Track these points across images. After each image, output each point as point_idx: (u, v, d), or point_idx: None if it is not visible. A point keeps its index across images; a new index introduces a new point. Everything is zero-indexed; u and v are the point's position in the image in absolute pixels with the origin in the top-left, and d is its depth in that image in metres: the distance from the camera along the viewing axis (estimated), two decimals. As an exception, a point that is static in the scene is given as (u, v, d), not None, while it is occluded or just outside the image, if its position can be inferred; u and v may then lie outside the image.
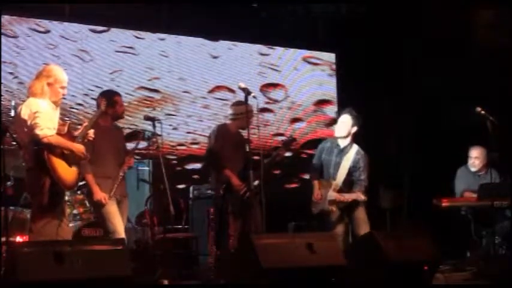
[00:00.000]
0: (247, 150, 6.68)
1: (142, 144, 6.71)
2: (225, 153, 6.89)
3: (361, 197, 6.69)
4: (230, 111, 7.10)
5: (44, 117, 5.29)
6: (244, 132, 6.82)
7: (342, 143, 6.87)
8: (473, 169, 8.01)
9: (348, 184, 6.83)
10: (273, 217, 6.36)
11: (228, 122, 7.11)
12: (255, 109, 6.69)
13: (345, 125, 6.84)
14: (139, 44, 9.19)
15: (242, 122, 6.80)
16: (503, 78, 8.90)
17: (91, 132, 5.67)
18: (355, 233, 6.77)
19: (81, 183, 6.37)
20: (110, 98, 6.28)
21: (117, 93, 6.51)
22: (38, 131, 5.24)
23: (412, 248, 5.70)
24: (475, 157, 7.99)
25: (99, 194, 6.06)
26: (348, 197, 6.74)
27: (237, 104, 7.05)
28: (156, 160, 6.70)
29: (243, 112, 6.63)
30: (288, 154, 9.65)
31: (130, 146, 6.79)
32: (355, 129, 6.85)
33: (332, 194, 6.76)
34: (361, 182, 6.80)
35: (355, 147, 6.87)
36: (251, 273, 5.12)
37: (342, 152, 6.85)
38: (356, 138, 6.94)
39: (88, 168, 6.01)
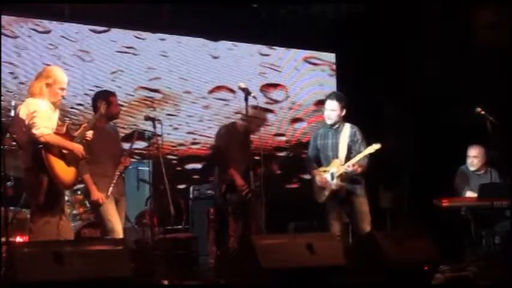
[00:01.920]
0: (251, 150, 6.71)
1: (142, 144, 6.71)
2: (230, 153, 6.90)
3: (374, 147, 6.61)
4: (244, 112, 7.09)
5: (41, 116, 5.30)
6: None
7: (335, 124, 6.88)
8: (472, 168, 8.01)
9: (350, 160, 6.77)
10: (273, 217, 6.37)
11: (239, 121, 7.11)
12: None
13: (335, 112, 6.84)
14: (139, 44, 9.19)
15: (253, 126, 6.82)
16: (503, 78, 8.89)
17: (89, 133, 5.67)
18: (358, 228, 6.71)
19: (80, 186, 6.38)
20: (106, 98, 6.29)
21: (112, 94, 6.52)
22: (34, 131, 5.25)
23: (412, 248, 5.69)
24: (474, 156, 7.99)
25: (97, 194, 6.07)
26: (359, 157, 6.63)
27: (254, 108, 6.98)
28: (156, 160, 6.70)
29: (256, 117, 6.64)
30: (288, 154, 9.67)
31: (127, 146, 6.81)
32: (344, 111, 6.86)
33: (339, 169, 6.69)
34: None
35: (347, 124, 6.88)
36: (251, 273, 5.12)
37: (337, 131, 6.84)
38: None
39: (86, 168, 6.01)
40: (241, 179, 6.82)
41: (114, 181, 6.18)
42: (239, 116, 7.11)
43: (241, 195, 6.80)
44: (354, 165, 6.61)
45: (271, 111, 10.06)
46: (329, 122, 6.86)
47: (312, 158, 6.96)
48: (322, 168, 6.84)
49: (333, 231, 6.47)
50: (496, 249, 7.31)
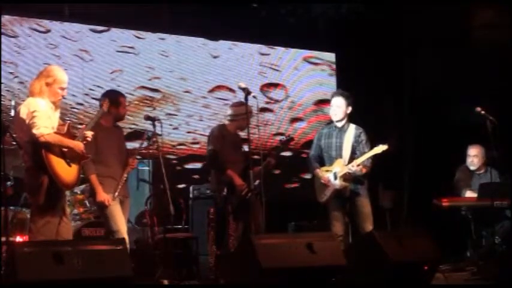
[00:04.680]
0: (247, 150, 6.70)
1: (143, 144, 6.70)
2: (225, 154, 6.90)
3: (382, 148, 6.60)
4: (229, 112, 7.11)
5: (41, 116, 5.29)
6: (244, 133, 6.84)
7: (339, 123, 6.86)
8: (472, 168, 8.01)
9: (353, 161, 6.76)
10: (273, 217, 6.36)
11: (227, 122, 7.12)
12: (255, 110, 6.71)
13: (341, 108, 6.83)
14: (139, 44, 9.19)
15: (241, 123, 6.84)
16: (503, 78, 8.90)
17: (89, 133, 5.64)
18: (360, 228, 6.68)
19: (83, 186, 6.36)
20: (114, 98, 6.25)
21: (121, 95, 6.48)
22: (34, 130, 5.24)
23: (412, 248, 5.69)
24: (474, 156, 7.99)
25: (103, 195, 6.02)
26: (364, 157, 6.60)
27: (236, 104, 7.09)
28: (156, 160, 6.69)
29: (242, 113, 6.64)
30: (288, 154, 9.67)
31: (133, 146, 6.79)
32: (349, 109, 6.85)
33: (343, 169, 6.65)
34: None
35: (352, 125, 6.87)
36: (251, 273, 5.12)
37: (341, 131, 6.82)
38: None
39: (92, 168, 5.98)
40: (239, 179, 6.82)
41: (121, 183, 6.16)
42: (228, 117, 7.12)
43: (241, 195, 6.80)
44: (358, 165, 6.60)
45: (271, 110, 10.06)
46: (335, 118, 6.84)
47: (315, 157, 6.94)
48: (324, 168, 6.82)
49: (335, 231, 6.44)
50: (496, 249, 7.30)
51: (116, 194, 6.09)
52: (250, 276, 5.13)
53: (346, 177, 6.66)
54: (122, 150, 6.36)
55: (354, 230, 7.05)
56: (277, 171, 9.24)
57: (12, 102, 7.26)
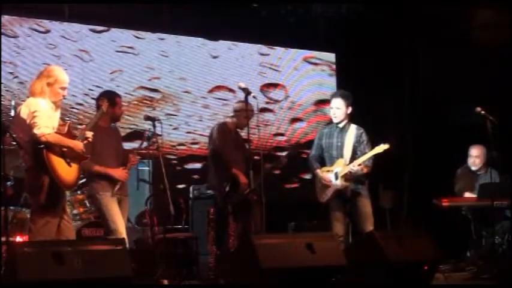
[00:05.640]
0: (247, 148, 6.71)
1: (143, 144, 6.71)
2: (227, 153, 6.91)
3: (383, 147, 6.59)
4: (231, 110, 7.14)
5: (42, 116, 5.29)
6: (244, 133, 6.84)
7: (340, 124, 6.84)
8: (473, 168, 8.01)
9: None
10: (273, 217, 6.37)
11: (228, 120, 7.13)
12: (256, 109, 6.71)
13: (340, 110, 6.81)
14: (139, 44, 9.20)
15: (241, 120, 6.85)
16: (503, 78, 8.90)
17: (89, 133, 5.64)
18: (361, 228, 6.67)
19: (81, 182, 6.37)
20: (111, 98, 6.28)
21: (117, 95, 6.51)
22: (35, 130, 5.24)
23: (412, 248, 5.69)
24: (475, 156, 7.99)
25: (117, 172, 6.07)
26: (366, 157, 6.60)
27: (238, 102, 7.12)
28: (156, 160, 6.70)
29: (242, 109, 6.67)
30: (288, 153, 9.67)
31: (132, 146, 6.79)
32: (350, 109, 6.84)
33: (345, 169, 6.65)
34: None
35: (353, 125, 6.86)
36: (251, 273, 5.12)
37: (342, 131, 6.81)
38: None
39: (92, 164, 6.00)
40: (244, 177, 6.82)
41: (120, 182, 6.16)
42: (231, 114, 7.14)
43: (244, 193, 6.80)
44: (360, 164, 6.59)
45: (270, 110, 10.06)
46: (335, 120, 6.83)
47: (316, 157, 6.93)
48: (325, 168, 6.82)
49: (336, 232, 6.44)
50: (496, 249, 7.30)
51: (114, 191, 6.09)
52: (250, 276, 5.13)
53: (348, 177, 6.66)
54: (119, 151, 6.38)
55: (354, 230, 7.05)
56: (277, 171, 9.24)
57: (12, 102, 7.25)
